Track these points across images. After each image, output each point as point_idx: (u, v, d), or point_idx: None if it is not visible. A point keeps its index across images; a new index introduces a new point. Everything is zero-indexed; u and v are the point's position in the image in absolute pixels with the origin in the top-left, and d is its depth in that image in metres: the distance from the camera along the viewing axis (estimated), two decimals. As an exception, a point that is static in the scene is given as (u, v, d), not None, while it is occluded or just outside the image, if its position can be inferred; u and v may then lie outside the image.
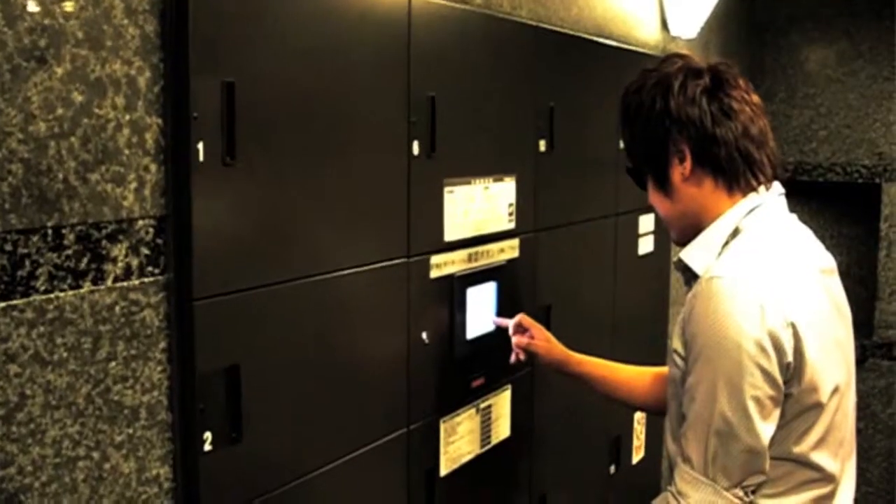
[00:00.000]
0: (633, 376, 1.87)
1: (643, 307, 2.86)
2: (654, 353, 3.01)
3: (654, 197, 1.52)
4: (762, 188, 1.43)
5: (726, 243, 1.42)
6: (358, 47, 1.54)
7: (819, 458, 1.36)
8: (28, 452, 1.10)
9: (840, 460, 1.40)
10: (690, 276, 1.45)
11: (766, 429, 1.30)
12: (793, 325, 1.30)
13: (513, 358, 1.89)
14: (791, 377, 1.31)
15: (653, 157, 1.47)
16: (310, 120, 1.44)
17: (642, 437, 2.92)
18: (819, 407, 1.35)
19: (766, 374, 1.29)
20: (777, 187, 1.48)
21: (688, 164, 1.43)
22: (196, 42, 1.23)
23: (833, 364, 1.38)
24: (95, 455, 1.18)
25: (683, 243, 1.51)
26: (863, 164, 3.94)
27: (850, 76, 3.96)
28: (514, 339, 1.88)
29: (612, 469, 2.71)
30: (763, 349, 1.28)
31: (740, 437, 1.29)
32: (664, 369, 1.72)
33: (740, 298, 1.30)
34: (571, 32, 2.36)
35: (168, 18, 1.22)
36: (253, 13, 1.32)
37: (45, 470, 1.12)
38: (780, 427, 1.33)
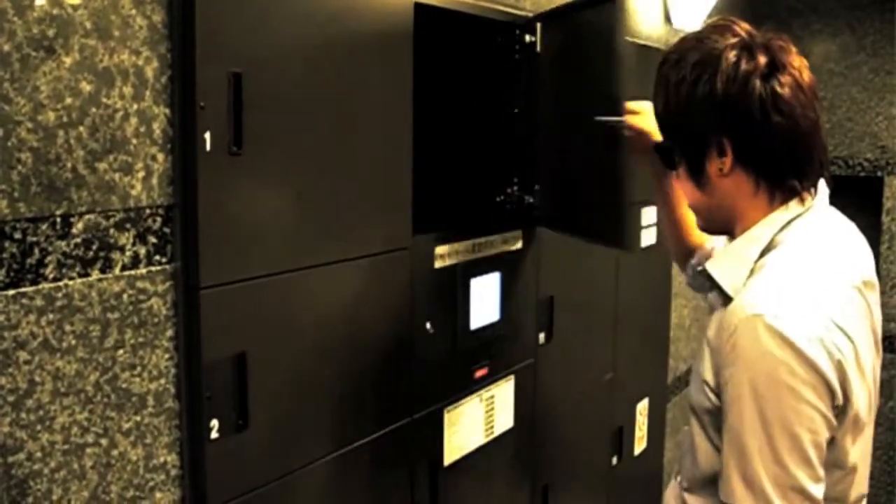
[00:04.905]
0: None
1: (645, 299, 2.87)
2: (655, 344, 3.02)
3: (685, 184, 1.35)
4: (807, 196, 1.29)
5: (759, 256, 1.27)
6: (363, 39, 1.54)
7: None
8: (37, 439, 1.11)
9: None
10: (716, 289, 1.32)
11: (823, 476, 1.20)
12: (840, 364, 1.18)
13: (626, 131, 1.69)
14: (840, 418, 1.22)
15: (689, 144, 1.30)
16: (316, 110, 1.45)
17: (644, 428, 2.93)
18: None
19: (824, 418, 1.18)
20: (822, 188, 1.33)
21: (728, 160, 1.26)
22: (203, 32, 1.23)
23: (864, 394, 1.27)
24: (104, 442, 1.19)
25: (711, 231, 1.40)
26: (865, 158, 3.94)
27: (852, 70, 3.96)
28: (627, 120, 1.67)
29: (615, 460, 2.73)
30: (817, 391, 1.17)
31: (807, 490, 1.17)
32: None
33: (789, 340, 1.15)
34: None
35: (175, 9, 1.23)
36: (259, 4, 1.33)
37: (53, 456, 1.13)
38: None
